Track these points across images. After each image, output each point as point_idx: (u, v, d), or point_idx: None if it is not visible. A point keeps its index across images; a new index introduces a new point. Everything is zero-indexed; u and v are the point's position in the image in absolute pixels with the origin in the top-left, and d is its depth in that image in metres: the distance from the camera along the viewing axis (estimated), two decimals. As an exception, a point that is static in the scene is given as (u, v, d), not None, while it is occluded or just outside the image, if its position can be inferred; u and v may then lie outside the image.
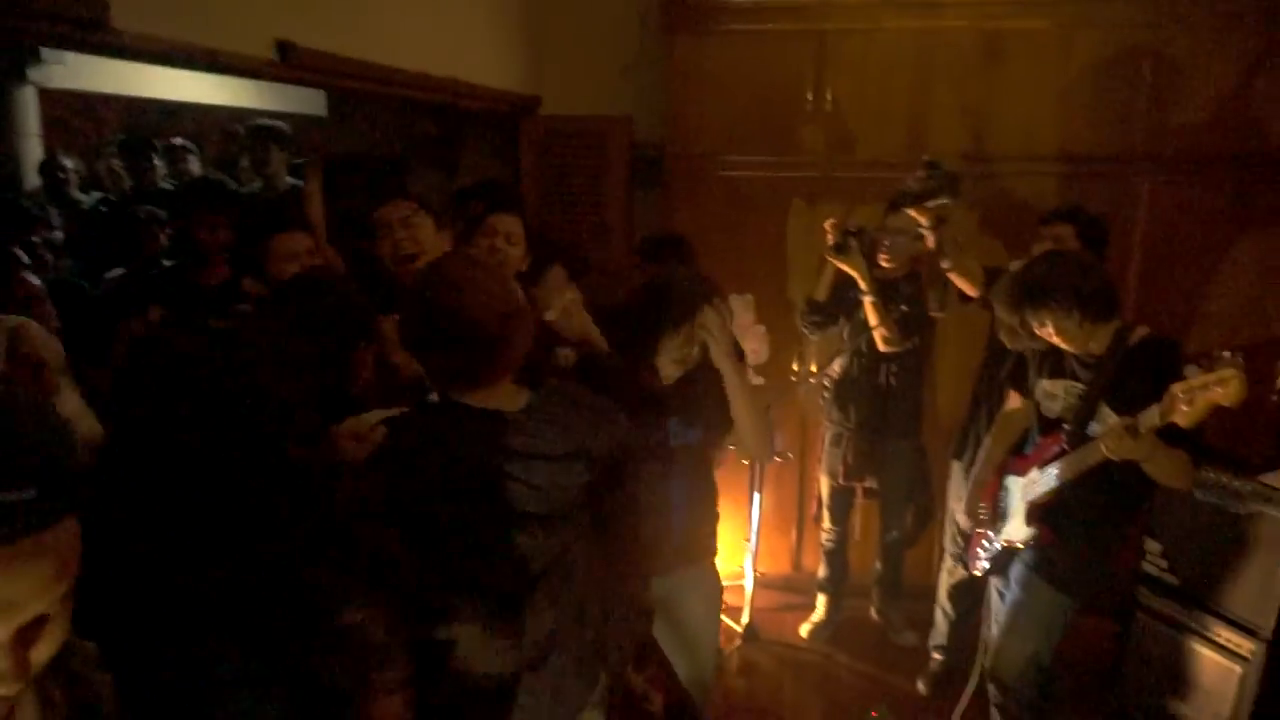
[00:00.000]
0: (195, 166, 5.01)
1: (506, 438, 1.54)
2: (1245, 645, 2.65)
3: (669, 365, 2.23)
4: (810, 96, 3.67)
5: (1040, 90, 3.54)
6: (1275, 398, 3.11)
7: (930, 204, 2.84)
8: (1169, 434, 2.07)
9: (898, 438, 3.49)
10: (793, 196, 3.79)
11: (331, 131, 5.01)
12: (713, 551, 2.51)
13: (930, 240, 2.95)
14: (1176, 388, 1.96)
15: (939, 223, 2.91)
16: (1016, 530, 2.50)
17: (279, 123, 4.38)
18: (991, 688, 2.58)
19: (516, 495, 1.53)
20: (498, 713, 1.55)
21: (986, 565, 2.64)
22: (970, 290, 3.04)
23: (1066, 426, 2.39)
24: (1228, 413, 1.94)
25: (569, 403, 1.67)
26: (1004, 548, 2.56)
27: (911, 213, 2.91)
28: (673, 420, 2.24)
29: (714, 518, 3.12)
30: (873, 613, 3.85)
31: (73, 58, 4.86)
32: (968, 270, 3.00)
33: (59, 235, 4.36)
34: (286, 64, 2.62)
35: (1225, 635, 2.71)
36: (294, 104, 5.38)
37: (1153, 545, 2.95)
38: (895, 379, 3.41)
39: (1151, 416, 2.04)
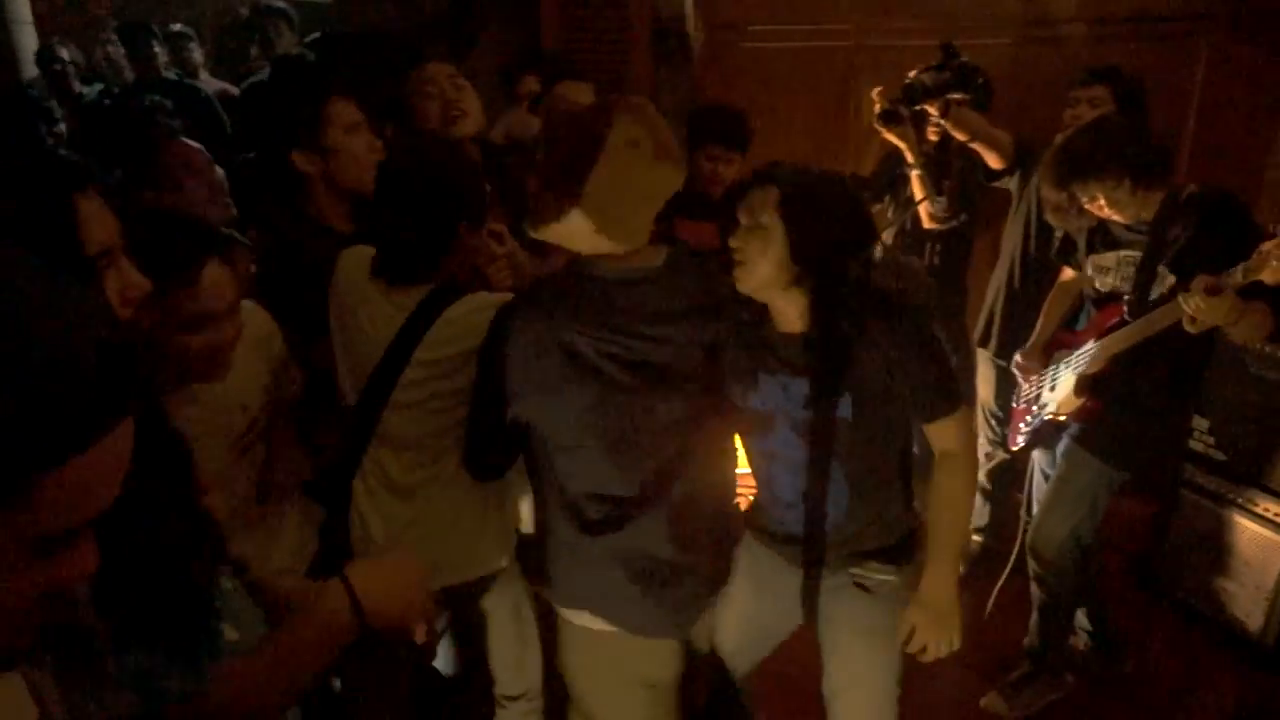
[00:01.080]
0: (197, 55, 4.79)
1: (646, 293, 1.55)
2: (1292, 517, 2.64)
3: None
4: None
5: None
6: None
7: (941, 99, 2.70)
8: (1246, 292, 1.98)
9: (941, 318, 3.41)
10: (825, 68, 3.60)
11: (339, 14, 4.78)
12: None
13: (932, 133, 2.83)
14: (1268, 245, 1.87)
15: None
16: (1064, 402, 2.45)
17: (282, 3, 4.17)
18: (1031, 562, 2.58)
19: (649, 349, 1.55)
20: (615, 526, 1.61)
21: (1025, 440, 2.62)
22: (996, 163, 2.91)
23: (1126, 297, 2.31)
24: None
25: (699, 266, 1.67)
26: (1047, 421, 2.52)
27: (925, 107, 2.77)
28: None
29: None
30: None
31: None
32: (993, 139, 2.86)
33: (63, 130, 4.21)
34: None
35: (1273, 509, 2.69)
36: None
37: (1200, 422, 2.91)
38: (939, 258, 3.31)
39: (1235, 275, 1.95)
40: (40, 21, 5.13)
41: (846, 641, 1.78)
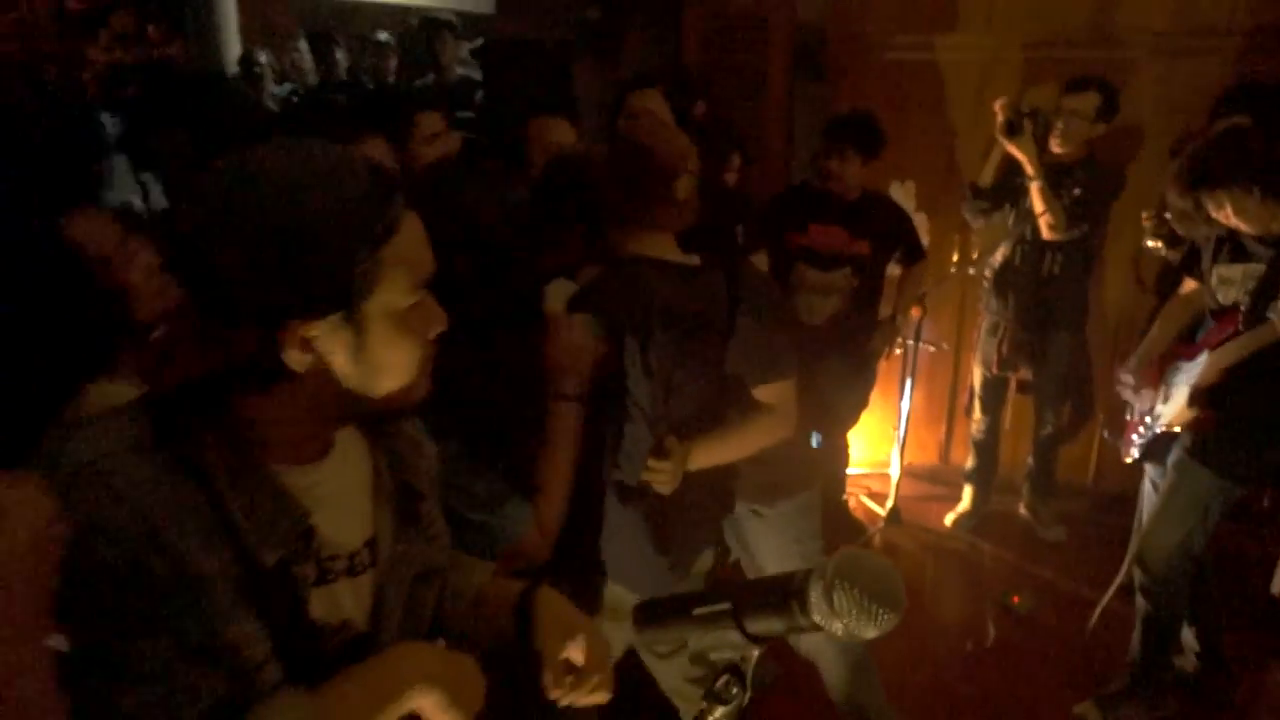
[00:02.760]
0: (393, 62, 5.24)
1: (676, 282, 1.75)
2: None
3: None
4: (986, -30, 3.50)
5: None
6: None
7: None
8: None
9: (1058, 329, 3.40)
10: (960, 79, 3.65)
11: (498, 27, 5.16)
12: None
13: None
14: None
15: None
16: (1177, 413, 2.44)
17: (448, 15, 4.56)
18: (1138, 572, 2.57)
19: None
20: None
21: (1139, 452, 2.61)
22: None
23: (1243, 309, 2.29)
24: None
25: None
26: (1161, 432, 2.51)
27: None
28: None
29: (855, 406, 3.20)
30: (1021, 509, 3.83)
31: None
32: None
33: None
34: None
35: None
36: (462, 0, 5.54)
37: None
38: (1060, 268, 3.32)
39: None
40: (243, 31, 5.76)
41: None
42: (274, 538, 0.86)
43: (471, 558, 1.22)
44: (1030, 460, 3.76)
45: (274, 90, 5.09)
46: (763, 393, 1.86)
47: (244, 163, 0.81)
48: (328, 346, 0.84)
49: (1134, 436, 2.64)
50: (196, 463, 0.83)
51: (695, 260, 1.81)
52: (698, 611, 0.82)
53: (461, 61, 4.70)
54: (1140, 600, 2.59)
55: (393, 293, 0.85)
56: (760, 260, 3.01)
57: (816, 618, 0.74)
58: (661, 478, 1.74)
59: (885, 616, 0.73)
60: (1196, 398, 2.39)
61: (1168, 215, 2.68)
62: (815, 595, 0.73)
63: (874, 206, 3.13)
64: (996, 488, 3.84)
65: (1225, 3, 3.27)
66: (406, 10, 5.72)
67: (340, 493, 0.95)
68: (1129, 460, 2.69)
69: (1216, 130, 2.44)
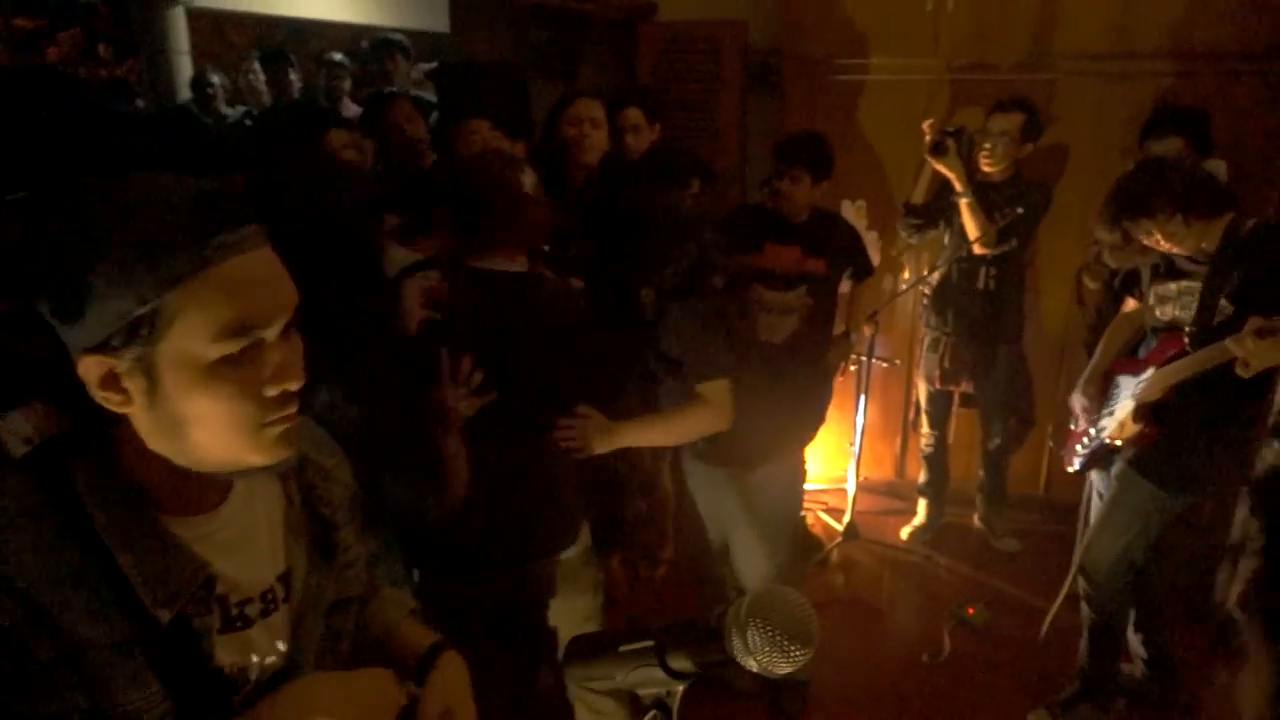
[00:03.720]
0: (347, 83, 5.22)
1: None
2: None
3: None
4: (931, -4, 3.58)
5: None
6: None
7: None
8: None
9: (997, 343, 3.49)
10: (908, 100, 3.73)
11: (452, 46, 5.17)
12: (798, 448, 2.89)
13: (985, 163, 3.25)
14: None
15: None
16: (1121, 427, 2.51)
17: (400, 35, 4.56)
18: (1081, 581, 2.63)
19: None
20: None
21: (1082, 463, 2.68)
22: None
23: (1187, 329, 2.36)
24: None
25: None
26: (1105, 444, 2.58)
27: None
28: None
29: (814, 421, 3.24)
30: (976, 520, 3.90)
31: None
32: None
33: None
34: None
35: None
36: (415, 19, 5.55)
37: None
38: (995, 282, 3.41)
39: None
40: (194, 50, 5.72)
41: None
42: (167, 594, 0.83)
43: (393, 590, 1.22)
44: (981, 472, 3.83)
45: (226, 112, 5.06)
46: (703, 389, 2.10)
47: (81, 186, 0.78)
48: (130, 389, 0.79)
49: (1077, 447, 2.71)
50: (82, 523, 0.80)
51: (541, 273, 1.97)
52: (623, 648, 0.83)
53: (416, 83, 4.70)
54: (1084, 608, 2.65)
55: (190, 339, 0.77)
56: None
57: (734, 654, 0.75)
58: (570, 435, 1.91)
59: (799, 653, 0.74)
60: (1141, 412, 2.46)
61: (1104, 257, 2.77)
62: (732, 633, 0.75)
63: (826, 225, 3.18)
64: (950, 500, 3.90)
65: (1156, 28, 3.38)
66: (363, 30, 5.72)
67: (245, 534, 0.93)
68: (1072, 470, 2.76)
69: (1136, 164, 2.54)
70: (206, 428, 0.81)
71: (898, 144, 3.77)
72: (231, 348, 0.79)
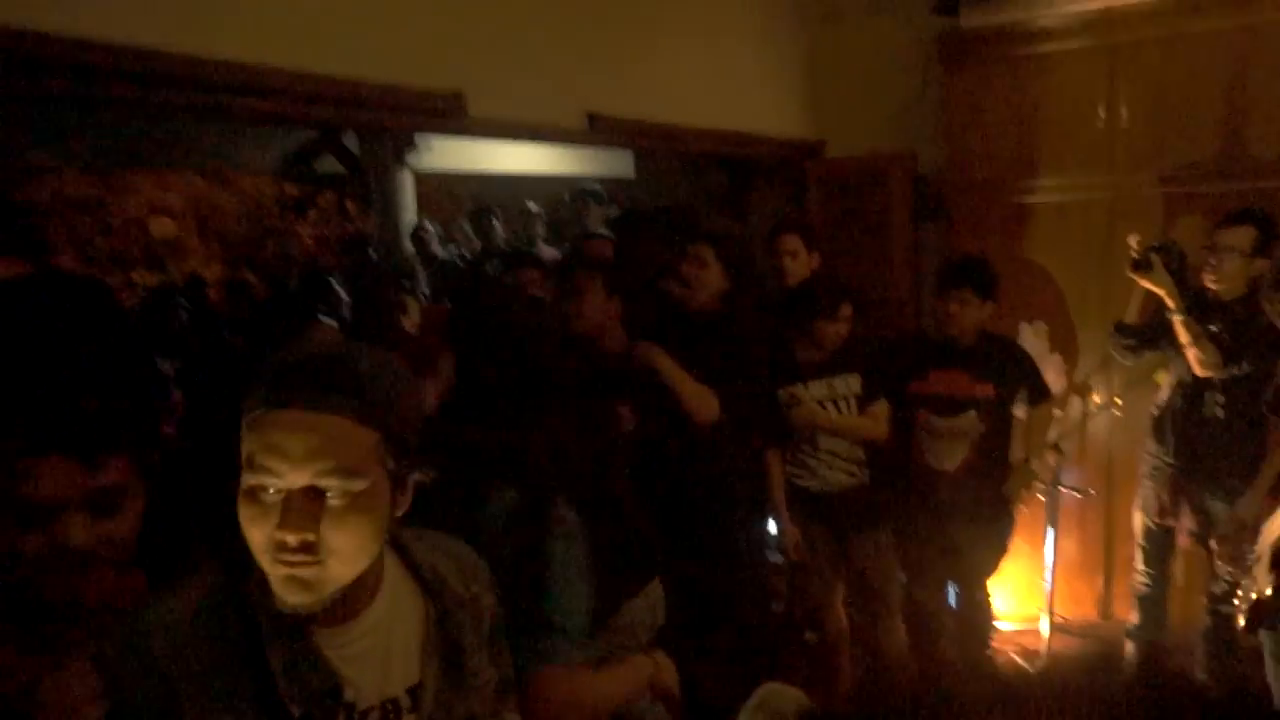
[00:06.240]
0: (540, 228, 5.82)
1: None
2: None
3: None
4: (1102, 113, 3.52)
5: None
6: None
7: None
8: None
9: (1230, 477, 3.13)
10: (1085, 218, 3.62)
11: (638, 190, 5.60)
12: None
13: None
14: None
15: None
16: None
17: (596, 186, 5.04)
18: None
19: None
20: None
21: (1245, 621, 2.34)
22: None
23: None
24: None
25: None
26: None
27: None
28: None
29: (995, 551, 3.10)
30: (1198, 673, 3.46)
31: (437, 142, 5.91)
32: None
33: (423, 285, 5.33)
34: (594, 131, 3.09)
35: None
36: (607, 168, 6.07)
37: None
38: (1224, 410, 3.09)
39: None
40: (420, 204, 6.56)
41: None
42: (303, 693, 0.92)
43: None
44: (1207, 619, 3.41)
45: (437, 252, 5.78)
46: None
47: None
48: None
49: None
50: (248, 613, 0.93)
51: None
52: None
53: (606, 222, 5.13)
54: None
55: (245, 459, 0.91)
56: (884, 409, 3.07)
57: None
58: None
59: None
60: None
61: None
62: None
63: (993, 347, 3.10)
64: (1168, 649, 3.49)
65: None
66: (566, 180, 6.33)
67: (377, 647, 1.01)
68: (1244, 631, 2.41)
69: None
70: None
71: (1076, 264, 3.65)
72: (250, 479, 0.91)
